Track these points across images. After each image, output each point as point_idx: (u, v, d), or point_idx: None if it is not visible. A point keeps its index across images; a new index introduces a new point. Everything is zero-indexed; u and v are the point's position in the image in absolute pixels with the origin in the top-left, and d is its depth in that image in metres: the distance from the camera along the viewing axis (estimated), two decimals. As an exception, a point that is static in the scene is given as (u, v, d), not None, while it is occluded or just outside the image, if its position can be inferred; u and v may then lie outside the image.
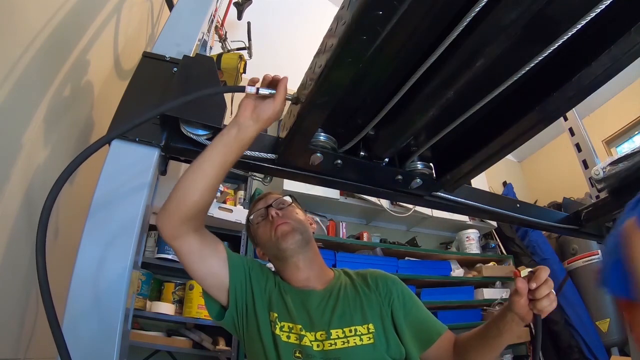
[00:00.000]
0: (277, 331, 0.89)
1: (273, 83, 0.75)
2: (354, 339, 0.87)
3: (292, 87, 0.80)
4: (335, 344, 0.86)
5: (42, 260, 0.54)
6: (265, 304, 0.93)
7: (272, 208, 0.99)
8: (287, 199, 1.03)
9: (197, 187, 0.74)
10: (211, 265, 0.88)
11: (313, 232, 1.05)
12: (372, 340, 0.87)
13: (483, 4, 0.53)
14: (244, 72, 1.80)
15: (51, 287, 0.92)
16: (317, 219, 2.76)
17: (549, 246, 3.14)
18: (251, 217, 1.03)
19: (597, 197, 1.48)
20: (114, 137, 0.69)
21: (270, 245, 0.96)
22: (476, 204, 1.13)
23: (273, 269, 1.05)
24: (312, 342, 0.87)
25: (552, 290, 0.74)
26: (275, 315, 0.91)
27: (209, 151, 0.73)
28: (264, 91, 0.74)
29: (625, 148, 3.42)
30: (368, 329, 0.88)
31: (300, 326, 0.89)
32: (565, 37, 0.57)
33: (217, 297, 0.92)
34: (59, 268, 0.95)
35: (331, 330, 0.88)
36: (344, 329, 0.88)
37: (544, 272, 0.75)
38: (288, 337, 0.89)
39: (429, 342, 0.92)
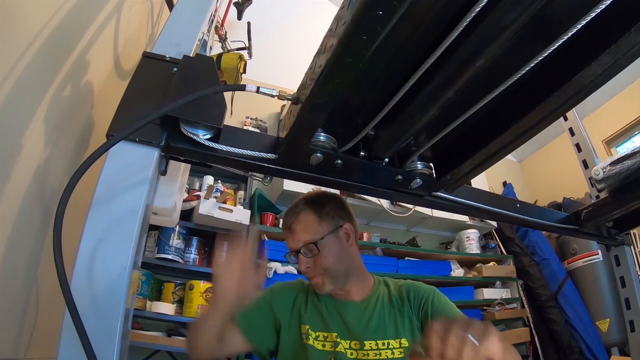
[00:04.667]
0: (311, 342, 0.93)
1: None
2: (386, 352, 0.90)
3: (292, 87, 0.81)
4: (368, 355, 0.90)
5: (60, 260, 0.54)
6: (295, 321, 0.97)
7: (302, 257, 0.95)
8: (313, 247, 0.94)
9: (211, 337, 0.84)
10: (239, 346, 0.95)
11: (351, 246, 1.00)
12: (402, 355, 0.89)
13: (483, 4, 0.53)
14: (244, 72, 1.80)
15: (51, 287, 0.92)
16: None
17: (549, 246, 3.15)
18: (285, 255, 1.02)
19: (597, 197, 1.48)
20: (127, 135, 0.68)
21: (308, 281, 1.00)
22: (476, 204, 1.13)
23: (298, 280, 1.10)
24: (347, 350, 0.91)
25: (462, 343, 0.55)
26: (307, 327, 0.95)
27: (215, 317, 0.82)
28: (265, 90, 0.74)
29: (625, 148, 3.42)
30: (400, 343, 0.91)
31: (335, 334, 0.93)
32: (565, 37, 0.57)
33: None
34: (59, 268, 0.94)
35: (365, 342, 0.91)
36: (377, 342, 0.91)
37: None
38: (323, 345, 0.93)
39: None
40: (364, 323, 0.93)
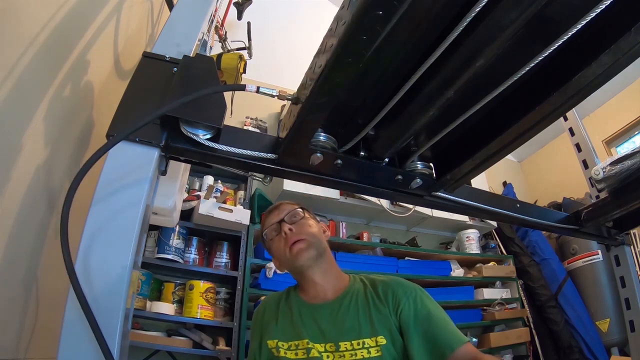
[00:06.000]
0: (282, 353, 0.91)
1: None
2: (362, 352, 0.87)
3: (292, 87, 0.81)
4: (344, 356, 0.87)
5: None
6: (265, 341, 0.96)
7: (284, 223, 0.99)
8: (299, 211, 1.02)
9: None
10: None
11: (327, 240, 1.05)
12: (379, 353, 0.86)
13: (483, 4, 0.53)
14: (244, 72, 1.80)
15: (51, 287, 0.92)
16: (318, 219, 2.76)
17: (549, 246, 3.15)
18: (265, 232, 1.03)
19: (597, 197, 1.48)
20: (127, 135, 0.68)
21: (285, 261, 0.99)
22: (476, 204, 1.13)
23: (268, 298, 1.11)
24: (322, 353, 0.89)
25: None
26: (276, 340, 0.94)
27: None
28: (265, 90, 0.74)
29: (625, 148, 3.42)
30: (376, 341, 0.87)
31: (307, 340, 0.91)
32: (565, 37, 0.57)
33: None
34: (59, 268, 0.94)
35: (340, 343, 0.89)
36: (352, 342, 0.88)
37: None
38: (296, 354, 0.91)
39: (441, 356, 0.84)
40: (338, 324, 0.91)
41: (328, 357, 0.88)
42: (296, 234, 0.97)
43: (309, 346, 0.89)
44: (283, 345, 0.93)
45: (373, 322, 0.90)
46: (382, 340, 0.87)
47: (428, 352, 0.85)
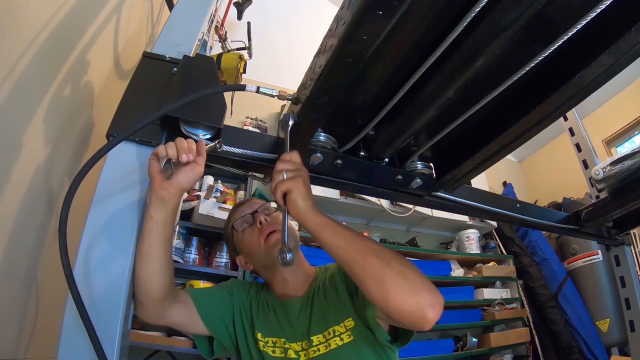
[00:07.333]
0: (262, 347, 0.90)
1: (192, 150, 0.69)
2: (335, 341, 0.85)
3: (292, 87, 0.81)
4: (319, 349, 0.86)
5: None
6: (249, 323, 0.94)
7: (259, 214, 0.96)
8: (273, 204, 0.99)
9: (155, 269, 0.72)
10: (198, 323, 0.91)
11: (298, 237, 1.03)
12: (352, 337, 0.84)
13: (483, 4, 0.53)
14: (244, 72, 1.80)
15: (51, 287, 0.92)
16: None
17: (549, 246, 3.15)
18: (235, 223, 0.99)
19: (597, 197, 1.48)
20: (128, 136, 0.68)
21: (259, 254, 0.94)
22: (476, 204, 1.13)
23: (254, 280, 1.06)
24: (299, 352, 0.87)
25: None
26: (260, 333, 0.92)
27: (147, 235, 0.69)
28: (265, 90, 0.74)
29: (625, 148, 3.42)
30: (345, 326, 0.85)
31: (283, 339, 0.89)
32: (566, 37, 0.57)
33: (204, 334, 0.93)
34: (59, 269, 0.95)
35: (312, 338, 0.87)
36: (324, 333, 0.87)
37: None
38: (274, 351, 0.89)
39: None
40: (307, 319, 0.89)
41: (305, 354, 0.86)
42: (273, 224, 0.93)
43: (286, 346, 0.88)
44: (263, 339, 0.91)
45: (337, 307, 0.88)
46: (350, 322, 0.85)
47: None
